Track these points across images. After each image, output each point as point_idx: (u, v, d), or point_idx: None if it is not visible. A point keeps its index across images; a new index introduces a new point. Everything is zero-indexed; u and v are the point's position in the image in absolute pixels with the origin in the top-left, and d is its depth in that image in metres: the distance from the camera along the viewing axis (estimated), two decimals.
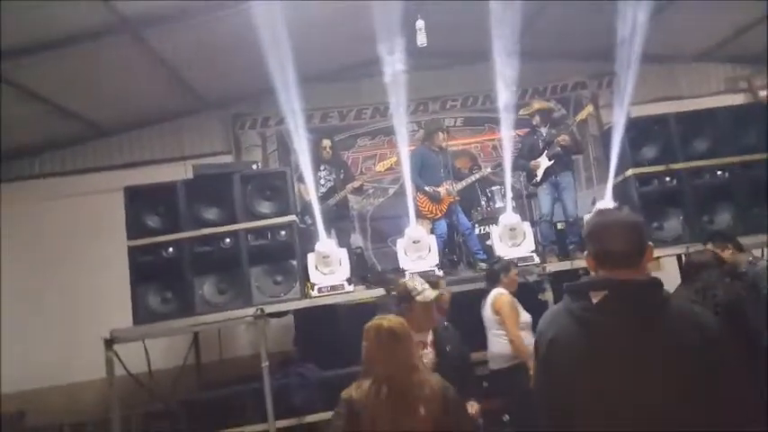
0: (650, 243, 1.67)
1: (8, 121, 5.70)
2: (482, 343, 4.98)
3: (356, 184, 5.79)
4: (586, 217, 5.25)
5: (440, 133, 5.75)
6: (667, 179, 5.26)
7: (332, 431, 2.40)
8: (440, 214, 5.62)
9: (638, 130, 5.31)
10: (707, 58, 7.36)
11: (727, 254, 4.07)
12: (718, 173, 5.24)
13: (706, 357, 1.46)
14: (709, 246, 4.22)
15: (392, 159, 6.01)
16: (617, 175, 5.32)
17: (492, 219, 5.69)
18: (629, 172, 5.26)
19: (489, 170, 5.90)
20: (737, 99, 7.15)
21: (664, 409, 1.46)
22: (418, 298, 2.98)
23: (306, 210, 5.50)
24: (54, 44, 4.91)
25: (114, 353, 4.38)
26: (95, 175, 6.72)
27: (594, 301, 1.57)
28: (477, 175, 5.87)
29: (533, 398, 1.78)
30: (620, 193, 5.30)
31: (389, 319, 2.43)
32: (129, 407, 4.63)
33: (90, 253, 6.30)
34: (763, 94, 7.26)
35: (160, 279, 4.79)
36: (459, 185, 5.67)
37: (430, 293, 3.01)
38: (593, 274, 1.69)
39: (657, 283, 1.59)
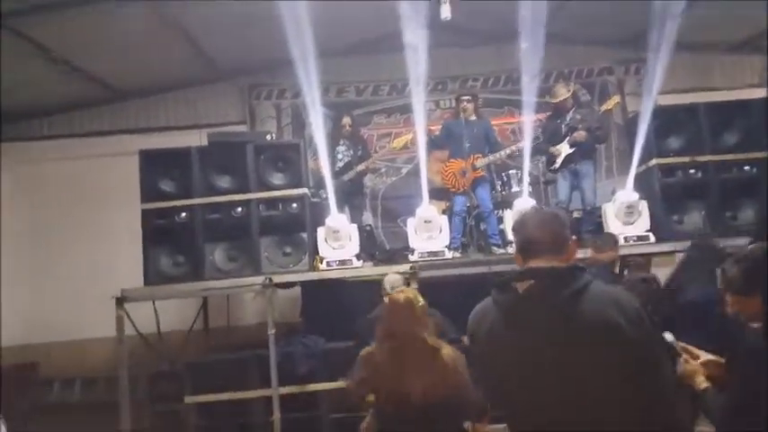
0: (573, 238, 1.86)
1: (24, 80, 6.10)
2: None
3: (368, 163, 6.13)
4: (605, 206, 5.53)
5: (460, 104, 5.91)
6: (692, 171, 5.41)
7: (348, 386, 3.01)
8: (462, 189, 5.81)
9: (665, 120, 5.45)
10: (742, 48, 7.48)
11: None
12: (746, 167, 5.36)
13: (626, 335, 1.60)
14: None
15: (408, 137, 6.27)
16: (640, 164, 5.47)
17: (506, 203, 5.98)
18: (653, 162, 5.43)
19: (520, 145, 5.89)
20: None
21: (590, 386, 1.62)
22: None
23: (320, 184, 5.85)
24: (74, 2, 5.21)
25: (125, 311, 4.83)
26: (109, 138, 7.20)
27: (520, 290, 1.72)
28: (508, 151, 5.96)
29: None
30: (641, 183, 5.48)
31: (404, 290, 3.03)
32: (137, 366, 5.07)
33: (102, 214, 6.81)
34: None
35: (172, 243, 5.25)
36: (484, 161, 5.83)
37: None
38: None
39: (578, 268, 1.76)
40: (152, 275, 5.11)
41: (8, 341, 6.06)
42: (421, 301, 2.91)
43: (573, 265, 1.77)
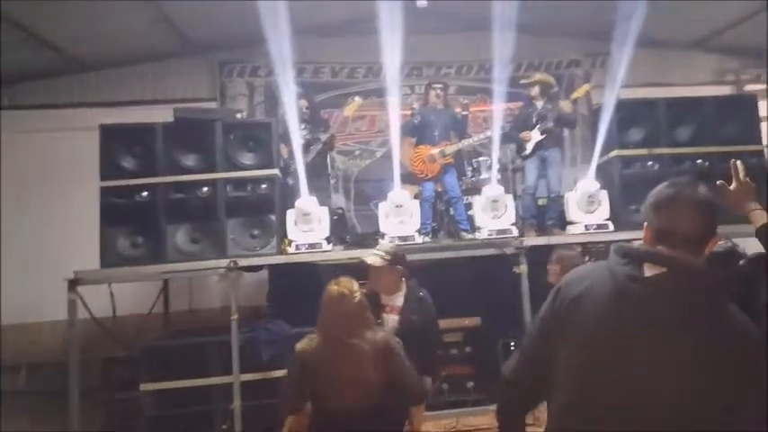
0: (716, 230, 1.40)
1: None
2: (455, 310, 4.77)
3: (327, 140, 5.34)
4: (567, 194, 5.08)
5: (432, 91, 5.38)
6: (649, 163, 5.06)
7: (287, 379, 2.73)
8: (431, 175, 5.26)
9: (627, 113, 5.07)
10: (699, 47, 7.02)
11: None
12: (698, 161, 5.01)
13: (753, 366, 1.29)
14: None
15: (358, 103, 5.51)
16: (602, 155, 5.08)
17: (476, 190, 5.36)
18: (614, 153, 5.04)
19: (488, 133, 5.40)
20: (725, 90, 6.88)
21: (696, 400, 1.27)
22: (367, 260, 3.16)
23: (287, 169, 5.10)
24: None
25: (77, 294, 3.96)
26: (70, 111, 6.09)
27: (648, 274, 1.33)
28: (482, 136, 5.47)
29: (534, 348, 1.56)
30: (603, 173, 5.07)
31: (339, 282, 2.58)
32: (90, 351, 4.27)
33: (61, 191, 5.78)
34: (748, 88, 6.97)
35: (131, 223, 4.38)
36: (453, 148, 5.29)
37: (371, 259, 3.12)
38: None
39: (720, 275, 1.39)
40: (109, 257, 4.22)
41: None
42: (356, 295, 2.53)
43: (714, 271, 1.38)
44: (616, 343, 1.34)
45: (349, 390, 2.40)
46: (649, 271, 1.34)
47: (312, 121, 5.45)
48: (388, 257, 3.13)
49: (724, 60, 7.11)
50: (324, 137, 5.31)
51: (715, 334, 1.29)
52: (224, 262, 4.22)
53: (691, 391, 1.27)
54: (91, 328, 4.21)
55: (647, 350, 1.31)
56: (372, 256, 3.14)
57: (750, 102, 5.31)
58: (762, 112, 5.46)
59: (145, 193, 4.39)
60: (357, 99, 5.62)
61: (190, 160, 4.52)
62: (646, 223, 1.45)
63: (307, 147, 5.28)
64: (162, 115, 4.93)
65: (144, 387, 4.01)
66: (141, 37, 5.80)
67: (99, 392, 4.35)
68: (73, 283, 4.00)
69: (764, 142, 5.35)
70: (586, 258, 5.67)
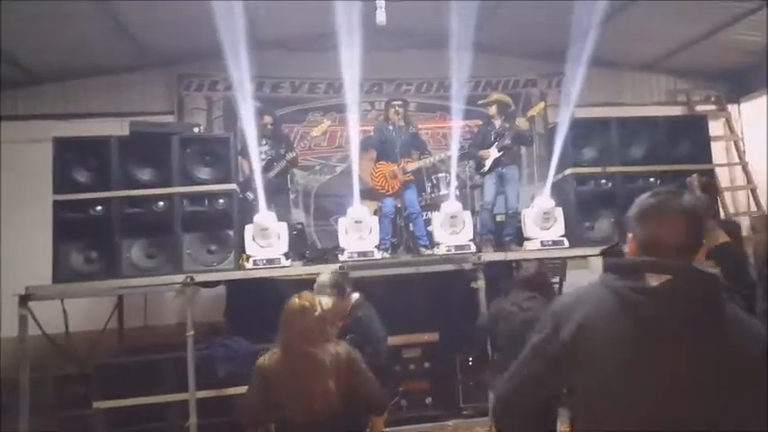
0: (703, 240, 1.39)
1: None
2: (414, 325, 4.95)
3: (291, 158, 5.47)
4: (525, 211, 5.32)
5: (391, 108, 5.55)
6: (603, 181, 5.27)
7: (248, 394, 2.67)
8: (392, 191, 5.44)
9: (581, 131, 5.29)
10: (651, 68, 7.37)
11: None
12: (651, 179, 5.23)
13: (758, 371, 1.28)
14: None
15: (326, 124, 5.67)
16: (557, 173, 5.31)
17: (435, 205, 5.55)
18: (569, 171, 5.25)
19: (449, 153, 5.60)
20: (676, 111, 7.22)
21: (720, 413, 1.26)
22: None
23: (247, 184, 5.21)
24: None
25: (29, 310, 3.99)
26: (23, 122, 6.08)
27: (654, 283, 1.30)
28: (440, 156, 5.69)
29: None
30: (558, 190, 5.29)
31: (302, 296, 2.64)
32: (42, 368, 4.28)
33: (13, 204, 5.76)
34: (699, 108, 7.36)
35: (85, 238, 4.42)
36: (414, 165, 5.50)
37: (325, 302, 3.15)
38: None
39: (720, 280, 1.36)
40: (62, 272, 4.26)
41: None
42: (317, 309, 2.60)
43: (714, 275, 1.37)
44: (636, 357, 1.31)
45: (310, 402, 2.46)
46: (654, 280, 1.32)
47: (274, 137, 5.57)
48: (335, 291, 3.31)
49: (676, 81, 7.48)
50: (290, 155, 5.43)
51: (731, 334, 1.29)
52: (180, 277, 4.29)
53: (720, 392, 1.26)
54: (43, 345, 4.23)
55: (669, 357, 1.29)
56: (324, 299, 3.15)
57: (701, 122, 5.62)
58: (712, 132, 5.69)
59: (99, 208, 4.44)
60: (326, 121, 5.76)
61: (145, 174, 4.58)
62: (631, 235, 1.43)
63: (270, 163, 5.41)
64: (118, 128, 5.00)
65: (97, 405, 4.04)
66: (97, 48, 5.79)
67: (50, 410, 4.35)
68: (24, 299, 4.02)
69: (714, 161, 5.65)
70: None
